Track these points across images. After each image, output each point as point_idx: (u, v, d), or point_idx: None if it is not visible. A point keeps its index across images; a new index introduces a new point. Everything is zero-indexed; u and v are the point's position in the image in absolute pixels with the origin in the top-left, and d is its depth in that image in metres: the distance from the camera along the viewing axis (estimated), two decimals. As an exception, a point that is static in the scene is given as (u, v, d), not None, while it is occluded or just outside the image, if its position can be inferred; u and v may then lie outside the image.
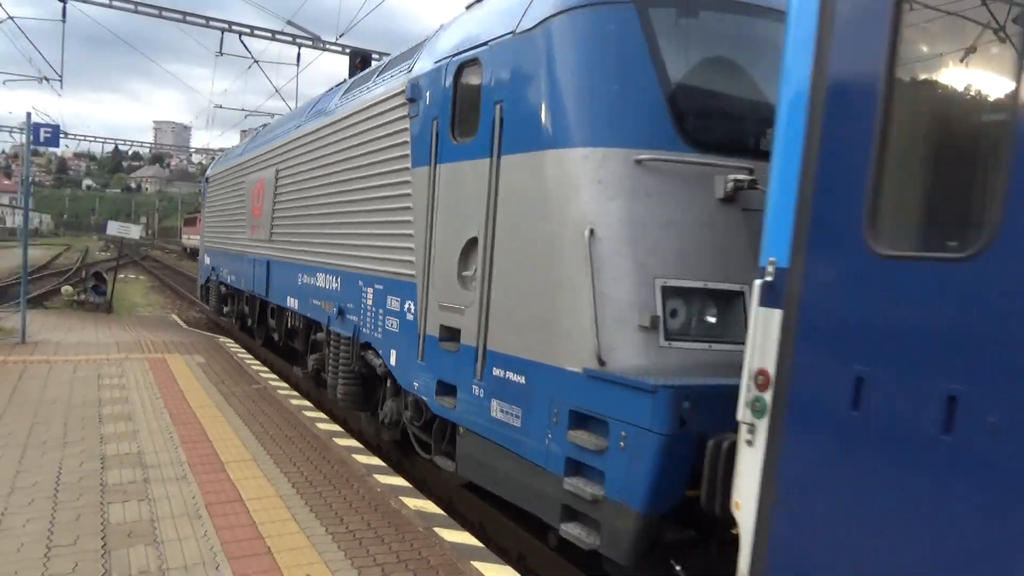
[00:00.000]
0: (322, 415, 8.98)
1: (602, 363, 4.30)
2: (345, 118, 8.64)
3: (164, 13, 21.85)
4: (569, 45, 4.82)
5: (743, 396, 3.41)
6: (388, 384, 7.43)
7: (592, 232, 4.43)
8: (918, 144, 3.21)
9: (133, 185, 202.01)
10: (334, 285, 8.74)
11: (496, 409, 5.25)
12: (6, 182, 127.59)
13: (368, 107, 7.92)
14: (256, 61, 22.61)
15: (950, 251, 2.84)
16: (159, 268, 45.46)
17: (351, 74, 17.79)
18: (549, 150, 4.81)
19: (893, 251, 2.90)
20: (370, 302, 7.58)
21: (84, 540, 4.84)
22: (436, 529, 5.39)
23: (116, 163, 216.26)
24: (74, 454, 6.69)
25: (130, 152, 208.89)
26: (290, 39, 22.72)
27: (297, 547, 4.90)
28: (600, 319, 4.34)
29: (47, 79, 24.94)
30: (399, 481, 6.55)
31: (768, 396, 3.29)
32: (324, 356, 9.17)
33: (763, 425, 3.31)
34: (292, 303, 10.63)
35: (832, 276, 3.12)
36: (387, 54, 23.04)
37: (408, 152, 6.78)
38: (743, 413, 3.41)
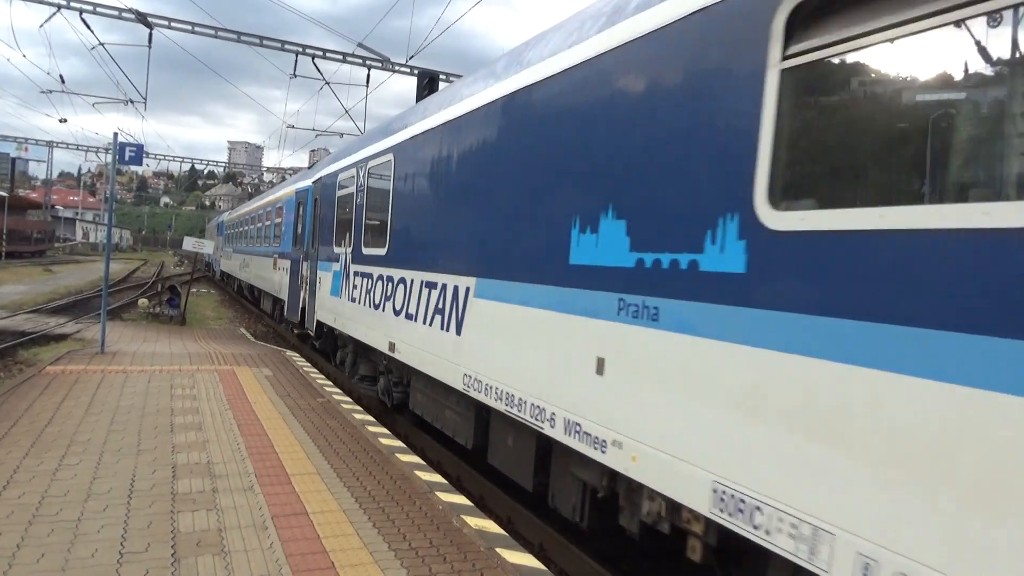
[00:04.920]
0: (385, 430, 9.04)
1: None
2: None
3: (243, 38, 22.73)
4: None
5: None
6: None
7: None
8: None
9: (207, 203, 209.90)
10: None
11: None
12: (91, 199, 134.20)
13: None
14: (327, 83, 23.26)
15: None
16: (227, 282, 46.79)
17: (418, 94, 18.11)
18: None
19: None
20: None
21: (155, 548, 4.94)
22: (498, 550, 5.31)
23: (192, 181, 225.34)
24: (147, 462, 6.87)
25: (206, 171, 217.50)
26: (360, 61, 23.31)
27: (360, 563, 4.89)
28: None
29: (132, 101, 26.13)
30: (460, 499, 6.50)
31: None
32: None
33: None
34: None
35: None
36: (456, 75, 23.30)
37: None
38: None
